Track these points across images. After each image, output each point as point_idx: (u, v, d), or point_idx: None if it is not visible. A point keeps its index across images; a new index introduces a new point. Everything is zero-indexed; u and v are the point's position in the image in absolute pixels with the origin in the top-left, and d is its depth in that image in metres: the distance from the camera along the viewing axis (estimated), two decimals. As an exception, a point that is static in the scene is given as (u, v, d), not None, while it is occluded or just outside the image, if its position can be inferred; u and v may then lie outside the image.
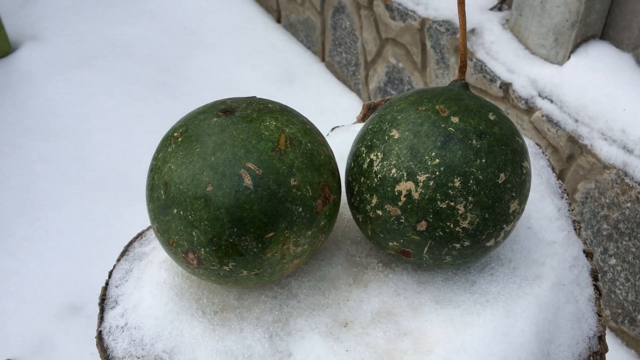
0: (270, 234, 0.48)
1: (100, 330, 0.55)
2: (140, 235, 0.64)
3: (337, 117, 1.82)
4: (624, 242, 1.20)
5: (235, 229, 0.47)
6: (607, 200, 1.20)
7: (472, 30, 1.42)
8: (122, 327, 0.55)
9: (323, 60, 2.08)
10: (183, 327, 0.53)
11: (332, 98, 1.95)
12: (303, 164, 0.50)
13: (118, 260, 0.61)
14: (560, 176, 1.32)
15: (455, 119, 0.50)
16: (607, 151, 1.17)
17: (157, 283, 0.56)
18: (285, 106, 0.54)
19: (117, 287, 0.59)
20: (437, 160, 0.49)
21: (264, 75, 2.03)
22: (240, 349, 0.51)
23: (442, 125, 0.50)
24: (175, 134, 0.51)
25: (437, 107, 0.51)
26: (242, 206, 0.47)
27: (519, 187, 0.51)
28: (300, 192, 0.49)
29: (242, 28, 2.23)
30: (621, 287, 1.25)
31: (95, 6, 2.34)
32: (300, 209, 0.49)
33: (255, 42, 2.17)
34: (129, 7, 2.33)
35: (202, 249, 0.48)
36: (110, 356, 0.53)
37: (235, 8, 2.32)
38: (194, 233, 0.48)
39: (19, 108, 1.90)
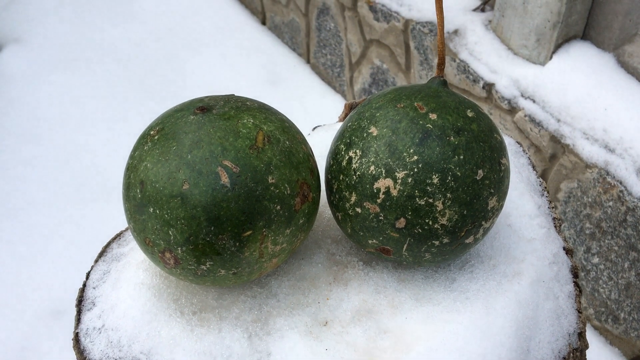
0: (248, 233, 0.48)
1: (77, 332, 0.55)
2: (118, 235, 0.63)
3: (322, 118, 1.82)
4: (606, 241, 1.21)
5: (212, 228, 0.47)
6: (590, 199, 1.21)
7: (455, 31, 1.42)
8: (99, 329, 0.54)
9: (308, 61, 2.08)
10: (161, 328, 0.52)
11: (317, 99, 1.95)
12: (281, 162, 0.49)
13: (96, 261, 0.61)
14: (542, 176, 1.33)
15: (433, 116, 0.50)
16: (589, 150, 1.18)
17: (134, 284, 0.56)
18: (264, 104, 0.54)
19: (94, 288, 0.58)
20: (416, 157, 0.49)
21: (249, 77, 2.02)
22: (219, 350, 0.51)
23: (421, 122, 0.50)
24: (152, 132, 0.50)
25: (415, 104, 0.51)
26: (219, 204, 0.47)
27: (498, 183, 0.51)
28: (278, 190, 0.48)
29: (227, 30, 2.22)
30: (604, 285, 1.25)
31: (78, 8, 2.32)
32: (279, 207, 0.49)
33: (240, 44, 2.16)
34: (113, 9, 2.32)
35: (179, 248, 0.48)
36: (87, 358, 0.53)
37: (219, 10, 2.31)
38: (170, 232, 0.47)
39: (1, 111, 1.88)
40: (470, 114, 0.51)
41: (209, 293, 0.54)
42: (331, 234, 0.60)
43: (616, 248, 1.19)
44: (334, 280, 0.56)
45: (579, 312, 0.58)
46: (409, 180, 0.49)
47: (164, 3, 2.34)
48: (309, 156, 0.53)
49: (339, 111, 1.89)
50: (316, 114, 1.86)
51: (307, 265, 0.57)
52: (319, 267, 0.57)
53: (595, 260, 1.25)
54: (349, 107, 0.82)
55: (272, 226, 0.49)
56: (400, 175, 0.49)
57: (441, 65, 0.53)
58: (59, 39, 2.17)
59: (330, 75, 1.96)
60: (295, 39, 2.08)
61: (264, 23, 2.25)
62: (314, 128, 0.75)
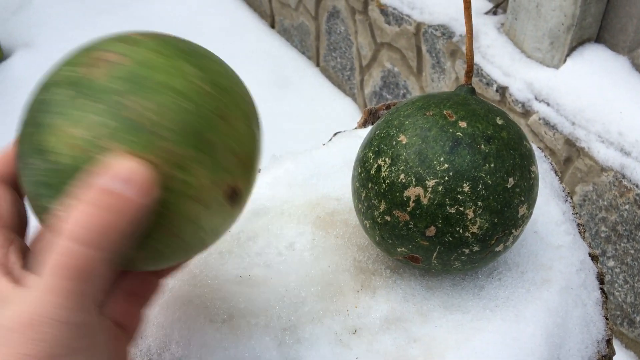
0: None
1: (106, 341, 0.55)
2: (144, 243, 0.63)
3: (332, 122, 1.82)
4: (622, 245, 1.21)
5: None
6: (605, 203, 1.21)
7: (468, 34, 1.42)
8: (128, 337, 0.54)
9: (318, 65, 2.08)
10: (191, 336, 0.52)
11: (327, 103, 1.95)
12: None
13: (122, 269, 0.61)
14: (557, 179, 1.33)
15: (463, 124, 0.50)
16: (604, 154, 1.18)
17: (162, 291, 0.56)
18: None
19: (121, 296, 0.58)
20: (446, 165, 0.49)
21: (258, 80, 2.03)
22: (249, 358, 0.51)
23: (450, 130, 0.50)
24: None
25: (444, 112, 0.51)
26: None
27: (528, 191, 0.51)
28: None
29: (236, 33, 2.23)
30: (620, 289, 1.25)
31: (86, 13, 2.33)
32: None
33: (249, 48, 2.16)
34: (120, 13, 2.33)
35: None
36: (116, 367, 0.53)
37: (228, 13, 2.32)
38: None
39: (11, 116, 1.88)
40: (499, 121, 0.51)
41: (239, 300, 0.55)
42: (357, 242, 0.60)
43: (632, 252, 1.19)
44: (362, 288, 0.56)
45: (606, 318, 0.58)
46: (440, 188, 0.49)
47: (172, 6, 2.35)
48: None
49: (349, 114, 1.89)
50: (327, 117, 1.86)
51: (334, 273, 0.57)
52: (345, 275, 0.57)
53: (611, 263, 1.24)
54: (368, 113, 0.82)
55: None
56: (430, 183, 0.49)
57: (469, 72, 0.53)
58: (68, 44, 2.17)
59: (340, 78, 1.96)
60: (305, 42, 2.08)
61: (272, 26, 2.25)
62: (335, 134, 0.75)
